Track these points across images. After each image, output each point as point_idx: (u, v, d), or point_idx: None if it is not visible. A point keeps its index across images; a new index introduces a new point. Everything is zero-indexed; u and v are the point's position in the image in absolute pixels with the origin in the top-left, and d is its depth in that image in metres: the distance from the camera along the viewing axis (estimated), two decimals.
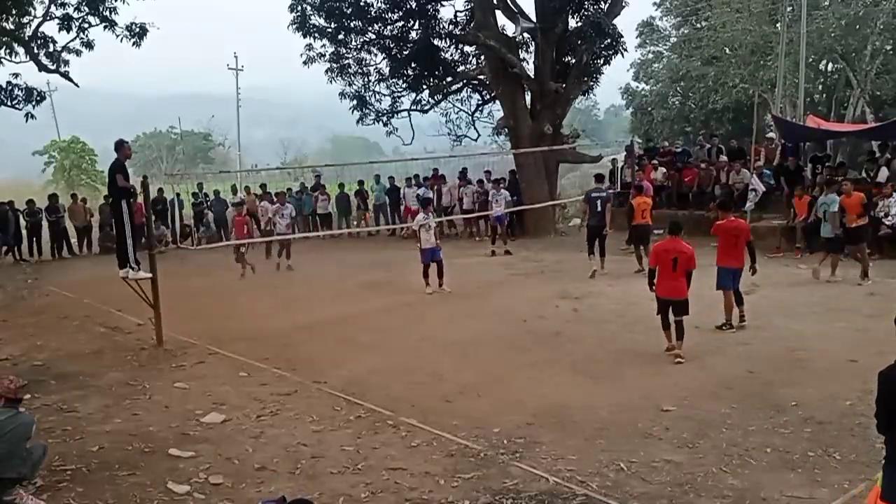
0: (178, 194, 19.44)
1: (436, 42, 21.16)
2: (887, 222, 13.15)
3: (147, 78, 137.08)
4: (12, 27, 19.16)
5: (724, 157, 17.51)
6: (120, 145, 9.40)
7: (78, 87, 21.29)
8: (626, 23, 23.32)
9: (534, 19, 19.13)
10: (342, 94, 22.15)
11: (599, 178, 13.98)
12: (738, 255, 8.99)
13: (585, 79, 20.08)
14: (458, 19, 21.10)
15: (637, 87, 33.82)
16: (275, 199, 16.17)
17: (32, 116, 19.91)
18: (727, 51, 28.70)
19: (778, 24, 25.20)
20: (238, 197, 21.62)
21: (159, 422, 6.70)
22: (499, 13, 19.57)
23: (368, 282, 13.53)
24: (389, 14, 21.22)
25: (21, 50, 19.66)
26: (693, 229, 16.75)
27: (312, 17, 21.07)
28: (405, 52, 21.21)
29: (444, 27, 21.26)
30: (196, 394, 7.50)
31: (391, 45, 21.48)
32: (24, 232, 18.97)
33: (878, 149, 15.77)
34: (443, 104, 23.08)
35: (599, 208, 12.96)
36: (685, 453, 5.55)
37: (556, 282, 12.45)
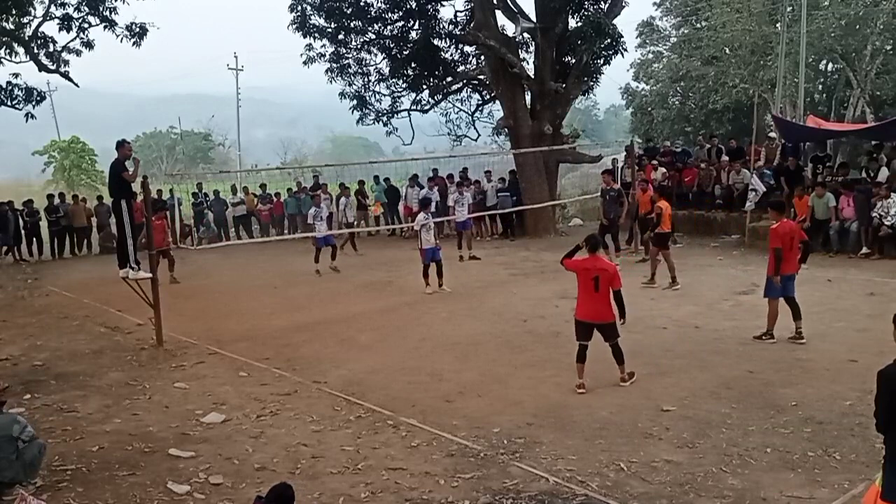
0: (172, 191, 19.44)
1: (436, 42, 21.15)
2: (887, 222, 13.14)
3: (147, 78, 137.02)
4: (12, 27, 19.17)
5: (725, 158, 17.51)
6: (121, 144, 9.45)
7: (78, 87, 21.30)
8: (626, 23, 23.28)
9: (534, 19, 19.12)
10: (342, 94, 22.15)
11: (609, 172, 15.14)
12: (794, 260, 8.33)
13: (585, 79, 20.07)
14: (458, 19, 21.10)
15: (637, 87, 33.77)
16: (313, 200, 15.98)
17: (32, 116, 19.92)
18: (727, 51, 28.67)
19: (778, 24, 25.20)
20: (238, 197, 21.69)
21: (159, 422, 6.71)
22: (499, 13, 19.55)
23: (368, 282, 13.54)
24: (389, 14, 21.22)
25: (21, 50, 19.68)
26: (693, 229, 16.92)
27: (312, 17, 21.07)
28: (405, 52, 21.21)
29: (444, 27, 21.26)
30: (196, 394, 7.51)
31: (391, 45, 21.47)
32: (22, 232, 18.96)
33: (874, 148, 15.80)
34: (443, 104, 23.08)
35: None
36: (685, 453, 5.55)
37: (556, 282, 12.44)
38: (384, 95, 22.58)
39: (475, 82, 22.06)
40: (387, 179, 21.28)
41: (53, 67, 20.38)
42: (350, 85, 22.16)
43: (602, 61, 19.55)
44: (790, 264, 8.28)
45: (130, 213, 9.41)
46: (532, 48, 20.05)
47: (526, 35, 19.95)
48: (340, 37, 21.40)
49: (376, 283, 13.43)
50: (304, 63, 21.74)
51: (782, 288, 8.27)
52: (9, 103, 19.67)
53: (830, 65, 29.47)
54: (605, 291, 6.98)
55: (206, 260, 15.70)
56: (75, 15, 19.77)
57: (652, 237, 12.18)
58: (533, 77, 19.23)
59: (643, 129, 31.82)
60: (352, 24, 21.12)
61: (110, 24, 19.76)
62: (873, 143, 15.96)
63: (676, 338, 8.72)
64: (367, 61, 22.12)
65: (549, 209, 18.84)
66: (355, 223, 18.94)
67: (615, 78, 27.95)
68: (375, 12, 21.08)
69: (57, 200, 19.60)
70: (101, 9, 19.65)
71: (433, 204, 14.88)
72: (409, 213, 19.02)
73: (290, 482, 4.72)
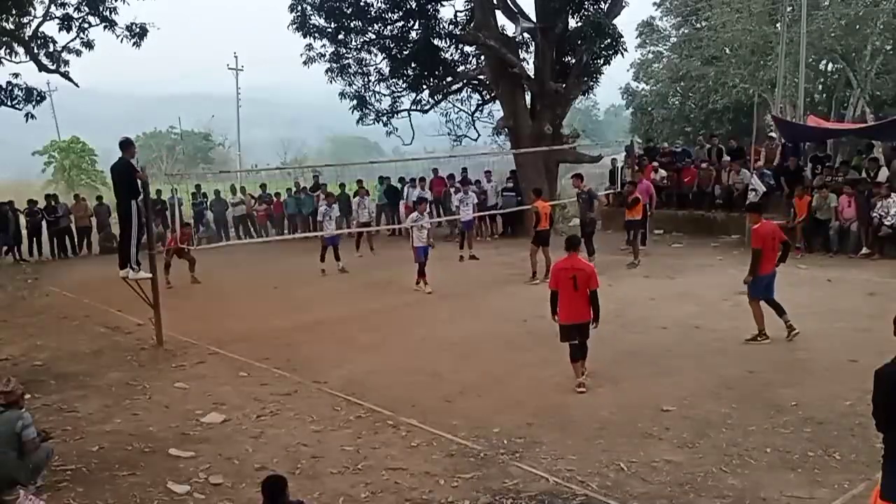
0: (174, 190, 19.36)
1: (436, 42, 21.15)
2: (887, 222, 13.13)
3: (147, 78, 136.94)
4: (12, 27, 19.16)
5: (726, 158, 17.49)
6: (129, 144, 9.27)
7: (78, 87, 21.28)
8: (626, 23, 23.27)
9: (534, 19, 19.12)
10: (342, 94, 22.14)
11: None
12: (773, 261, 8.36)
13: (585, 79, 20.07)
14: (458, 19, 21.11)
15: (637, 87, 33.76)
16: (324, 199, 15.90)
17: (32, 116, 19.91)
18: (727, 51, 28.65)
19: (778, 25, 25.15)
20: (238, 197, 21.68)
21: (159, 422, 6.71)
22: (499, 13, 19.55)
23: (368, 282, 13.54)
24: (389, 14, 21.22)
25: (21, 50, 19.66)
26: (693, 229, 16.91)
27: (312, 17, 21.07)
28: (405, 52, 21.21)
29: (444, 27, 21.26)
30: (196, 394, 7.51)
31: (391, 45, 21.47)
32: (23, 232, 18.95)
33: (865, 148, 15.81)
34: (443, 104, 23.07)
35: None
36: (685, 453, 5.55)
37: None
38: (384, 95, 22.59)
39: (475, 82, 22.06)
40: (387, 178, 21.27)
41: (53, 67, 20.37)
42: (350, 85, 22.17)
43: (602, 61, 19.55)
44: (770, 265, 8.31)
45: (139, 214, 9.25)
46: (532, 48, 20.04)
47: (526, 35, 19.94)
48: (340, 37, 21.40)
49: (376, 283, 13.42)
50: (304, 63, 21.75)
51: (765, 288, 8.31)
52: (9, 103, 19.66)
53: (830, 65, 29.44)
54: (583, 291, 7.06)
55: (206, 260, 15.66)
56: (75, 15, 19.76)
57: (533, 236, 12.76)
58: (533, 77, 19.23)
59: (643, 129, 31.81)
60: (352, 24, 21.12)
61: (110, 25, 19.75)
62: (866, 144, 16.00)
63: (676, 338, 8.72)
64: (367, 61, 22.13)
65: (549, 209, 18.82)
66: (370, 223, 18.82)
67: (615, 78, 27.92)
68: (375, 12, 21.09)
69: (52, 202, 19.57)
70: (101, 9, 19.64)
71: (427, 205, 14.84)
72: (409, 212, 19.02)
73: (290, 482, 4.73)
